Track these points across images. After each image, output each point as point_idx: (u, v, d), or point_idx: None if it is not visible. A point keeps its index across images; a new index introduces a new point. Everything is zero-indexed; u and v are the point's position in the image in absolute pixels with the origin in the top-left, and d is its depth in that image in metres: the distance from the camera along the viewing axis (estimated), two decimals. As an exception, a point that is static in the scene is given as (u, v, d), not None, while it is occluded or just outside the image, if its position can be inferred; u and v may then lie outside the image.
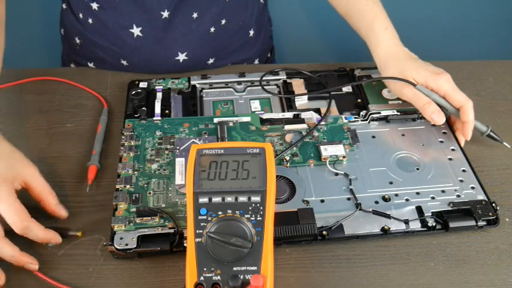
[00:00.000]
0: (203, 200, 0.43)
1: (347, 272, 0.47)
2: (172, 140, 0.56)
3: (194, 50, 0.69)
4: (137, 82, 0.64)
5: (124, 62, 0.70)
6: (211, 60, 0.71)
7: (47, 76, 0.66)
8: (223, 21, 0.69)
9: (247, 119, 0.59)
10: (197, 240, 0.42)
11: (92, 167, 0.54)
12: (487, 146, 0.59)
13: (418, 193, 0.52)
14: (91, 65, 0.72)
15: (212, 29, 0.69)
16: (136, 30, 0.66)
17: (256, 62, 0.78)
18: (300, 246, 0.48)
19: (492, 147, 0.59)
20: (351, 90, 0.64)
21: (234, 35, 0.72)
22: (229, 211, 0.43)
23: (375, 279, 0.46)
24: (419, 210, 0.50)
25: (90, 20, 0.67)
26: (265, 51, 0.80)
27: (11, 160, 0.48)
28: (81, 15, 0.68)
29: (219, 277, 0.41)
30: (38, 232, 0.46)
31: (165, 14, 0.64)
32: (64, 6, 0.72)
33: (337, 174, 0.53)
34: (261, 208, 0.43)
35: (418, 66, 0.57)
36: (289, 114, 0.60)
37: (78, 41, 0.71)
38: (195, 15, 0.66)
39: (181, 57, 0.69)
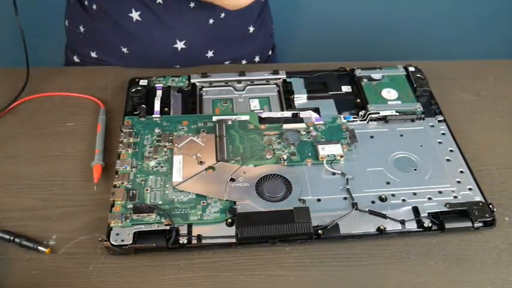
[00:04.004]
0: None
1: (347, 271, 0.47)
2: (170, 137, 0.56)
3: (192, 39, 0.70)
4: (137, 80, 0.64)
5: (124, 50, 0.71)
6: (210, 53, 0.72)
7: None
8: (223, 15, 0.70)
9: (246, 117, 0.59)
10: None
11: (97, 166, 0.54)
12: (487, 145, 0.59)
13: (415, 193, 0.52)
14: (93, 54, 0.73)
15: (211, 21, 0.69)
16: (135, 15, 0.67)
17: (257, 59, 0.78)
18: (300, 245, 0.48)
19: (492, 147, 0.59)
20: (350, 90, 0.64)
21: (233, 29, 0.72)
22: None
23: (375, 278, 0.46)
24: (415, 210, 0.50)
25: (94, 6, 0.69)
26: (266, 48, 0.81)
27: None
28: (86, 2, 0.70)
29: None
30: None
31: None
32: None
33: (334, 173, 0.53)
34: None
35: None
36: (288, 114, 0.60)
37: (82, 29, 0.73)
38: (192, 4, 0.67)
39: (180, 45, 0.69)
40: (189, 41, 0.70)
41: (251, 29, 0.75)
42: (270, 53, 0.82)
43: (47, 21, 0.91)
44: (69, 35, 0.78)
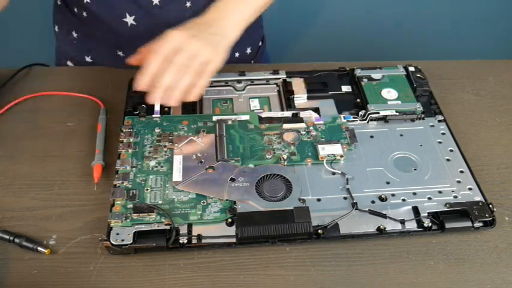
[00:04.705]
0: None
1: (347, 271, 0.47)
2: (171, 137, 0.56)
3: None
4: (138, 80, 0.64)
5: (120, 53, 0.70)
6: None
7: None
8: None
9: (246, 117, 0.59)
10: None
11: (97, 166, 0.54)
12: (487, 145, 0.59)
13: (414, 193, 0.52)
14: (88, 58, 0.73)
15: None
16: (130, 19, 0.67)
17: (248, 50, 0.78)
18: (300, 244, 0.48)
19: (492, 147, 0.59)
20: (350, 90, 0.64)
21: None
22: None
23: (375, 278, 0.46)
24: (415, 210, 0.50)
25: (84, 14, 0.68)
26: (257, 39, 0.81)
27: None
28: (75, 9, 0.69)
29: None
30: None
31: (156, 1, 0.65)
32: (59, 2, 0.72)
33: (334, 173, 0.53)
34: None
35: None
36: (288, 113, 0.60)
37: (75, 35, 0.72)
38: (188, 4, 0.67)
39: None
40: None
41: None
42: (260, 43, 0.82)
43: (43, 20, 0.91)
44: (60, 41, 0.76)
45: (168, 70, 0.50)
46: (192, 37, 0.52)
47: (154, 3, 0.66)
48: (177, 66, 0.51)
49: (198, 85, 0.52)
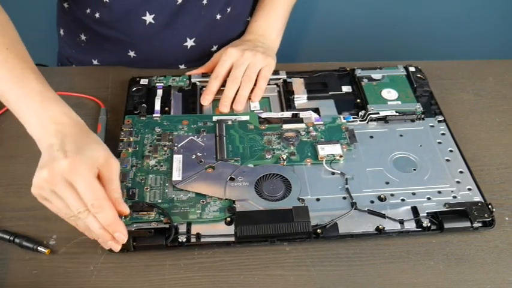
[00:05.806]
0: None
1: (347, 271, 0.47)
2: (170, 137, 0.56)
3: (201, 36, 0.71)
4: (138, 79, 0.64)
5: (132, 53, 0.70)
6: (214, 48, 0.73)
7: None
8: (229, 9, 0.71)
9: (246, 117, 0.59)
10: None
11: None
12: (486, 145, 0.59)
13: (414, 193, 0.52)
14: (95, 61, 0.73)
15: (218, 17, 0.70)
16: (149, 18, 0.67)
17: None
18: (300, 244, 0.48)
19: (492, 147, 0.59)
20: (350, 90, 0.64)
21: (234, 22, 0.74)
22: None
23: (375, 278, 0.46)
24: (414, 210, 0.50)
25: (97, 15, 0.68)
26: None
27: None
28: (88, 11, 0.68)
29: None
30: (109, 214, 0.42)
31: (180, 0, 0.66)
32: (66, 5, 0.72)
33: (333, 173, 0.53)
34: None
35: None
36: (287, 114, 0.60)
37: (84, 37, 0.72)
38: (205, 1, 0.67)
39: (190, 43, 0.70)
40: (198, 38, 0.71)
41: (249, 19, 0.76)
42: None
43: (44, 20, 0.91)
44: (65, 44, 0.76)
45: (230, 85, 0.60)
46: (245, 51, 0.62)
47: (178, 2, 0.66)
48: (238, 79, 0.61)
49: (258, 88, 0.62)
